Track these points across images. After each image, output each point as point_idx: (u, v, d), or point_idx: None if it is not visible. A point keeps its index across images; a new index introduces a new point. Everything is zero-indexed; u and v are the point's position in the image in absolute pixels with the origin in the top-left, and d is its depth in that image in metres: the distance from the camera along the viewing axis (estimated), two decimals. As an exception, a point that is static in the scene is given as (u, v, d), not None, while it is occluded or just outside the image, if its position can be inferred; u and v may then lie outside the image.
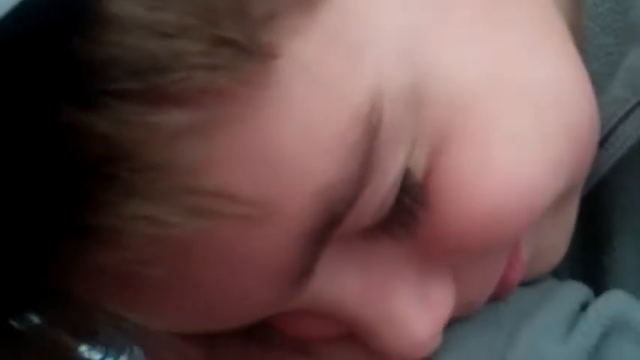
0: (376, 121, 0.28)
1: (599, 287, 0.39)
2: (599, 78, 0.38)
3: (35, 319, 0.27)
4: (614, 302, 0.37)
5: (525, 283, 0.38)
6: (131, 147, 0.24)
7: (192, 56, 0.24)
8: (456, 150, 0.31)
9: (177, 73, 0.24)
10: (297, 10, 0.26)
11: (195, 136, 0.25)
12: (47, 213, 0.24)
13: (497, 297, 0.36)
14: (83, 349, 0.28)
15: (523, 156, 0.31)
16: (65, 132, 0.23)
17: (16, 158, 0.24)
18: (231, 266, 0.28)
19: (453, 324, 0.35)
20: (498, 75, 0.32)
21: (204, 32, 0.24)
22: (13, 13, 0.21)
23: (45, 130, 0.23)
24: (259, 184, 0.26)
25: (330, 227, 0.28)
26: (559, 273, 0.40)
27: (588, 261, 0.41)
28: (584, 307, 0.37)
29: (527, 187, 0.32)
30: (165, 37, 0.24)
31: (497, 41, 0.32)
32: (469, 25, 0.32)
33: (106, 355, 0.29)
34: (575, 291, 0.37)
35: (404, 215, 0.31)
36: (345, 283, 0.32)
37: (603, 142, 0.38)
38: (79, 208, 0.24)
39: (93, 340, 0.27)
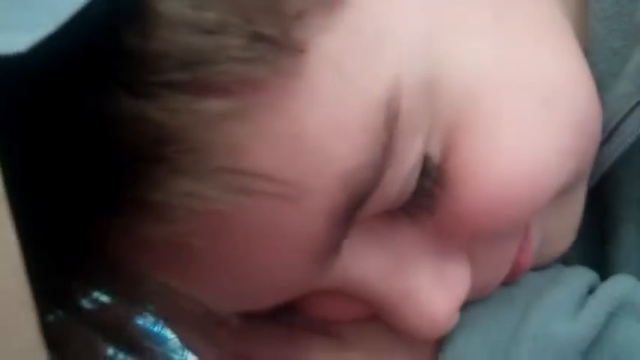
0: (395, 109, 0.30)
1: (605, 275, 0.40)
2: (605, 77, 0.40)
3: (94, 294, 0.30)
4: (621, 285, 0.39)
5: (535, 269, 0.39)
6: (179, 132, 0.27)
7: (232, 50, 0.26)
8: (469, 136, 0.33)
9: (219, 65, 0.26)
10: (324, 8, 0.29)
11: (234, 122, 0.27)
12: (105, 189, 0.27)
13: (509, 281, 0.38)
14: (138, 322, 0.30)
15: (528, 143, 0.33)
16: (121, 118, 0.26)
17: (78, 141, 0.26)
18: (264, 240, 0.30)
19: (468, 305, 0.37)
20: (506, 69, 0.34)
21: (243, 29, 0.27)
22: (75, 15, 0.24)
23: (103, 117, 0.26)
24: (290, 165, 0.29)
25: (355, 208, 0.31)
26: (567, 261, 0.41)
27: (595, 250, 0.43)
28: (591, 290, 0.38)
29: (533, 171, 0.34)
30: (209, 34, 0.26)
31: (505, 38, 0.35)
32: (480, 22, 0.34)
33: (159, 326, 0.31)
34: (583, 275, 0.39)
35: (423, 198, 0.33)
36: (368, 262, 0.34)
37: (609, 136, 0.40)
38: (133, 185, 0.27)
39: (144, 311, 0.30)
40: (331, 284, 0.34)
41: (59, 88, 0.25)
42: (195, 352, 0.38)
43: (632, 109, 0.39)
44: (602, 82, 0.39)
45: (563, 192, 0.36)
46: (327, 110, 0.29)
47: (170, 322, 0.31)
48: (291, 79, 0.28)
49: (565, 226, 0.40)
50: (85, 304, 0.29)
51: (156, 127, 0.26)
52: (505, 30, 0.35)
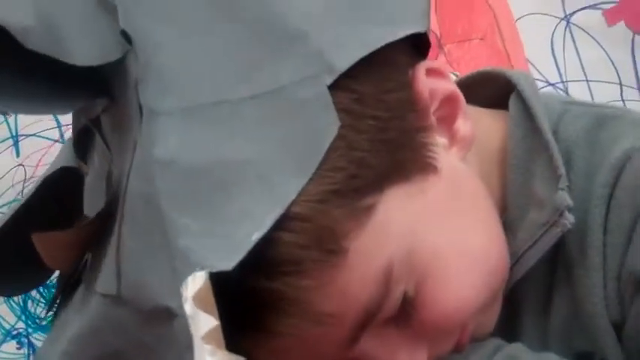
0: (390, 270, 0.51)
1: None
2: (516, 223, 0.59)
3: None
4: (513, 347, 0.58)
5: (472, 341, 0.58)
6: (286, 294, 0.50)
7: (312, 257, 0.49)
8: (430, 284, 0.53)
9: (306, 264, 0.49)
10: (358, 226, 0.50)
11: (313, 291, 0.50)
12: (250, 320, 0.51)
13: (455, 352, 0.58)
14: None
15: (461, 288, 0.54)
16: (262, 289, 0.50)
17: (240, 299, 0.50)
18: (320, 340, 0.52)
19: None
20: (451, 245, 0.54)
21: (316, 247, 0.49)
22: None
23: (253, 288, 0.50)
24: (338, 306, 0.51)
25: (368, 322, 0.52)
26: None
27: (508, 333, 0.61)
28: (498, 350, 0.58)
29: (465, 302, 0.55)
30: (301, 248, 0.49)
31: (452, 225, 0.55)
32: (440, 215, 0.54)
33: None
34: (495, 341, 0.59)
35: (404, 315, 0.53)
36: (373, 347, 0.54)
37: (516, 262, 0.58)
38: (264, 320, 0.51)
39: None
40: (353, 356, 0.54)
41: (232, 274, 0.49)
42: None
43: (529, 248, 0.58)
44: (513, 227, 0.59)
45: (484, 306, 0.56)
46: (357, 277, 0.50)
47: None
48: (340, 267, 0.50)
49: (489, 320, 0.59)
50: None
51: (277, 293, 0.50)
52: (452, 219, 0.55)
